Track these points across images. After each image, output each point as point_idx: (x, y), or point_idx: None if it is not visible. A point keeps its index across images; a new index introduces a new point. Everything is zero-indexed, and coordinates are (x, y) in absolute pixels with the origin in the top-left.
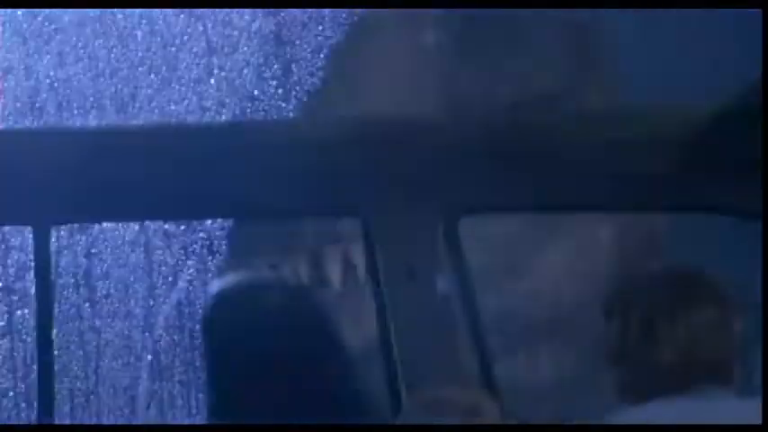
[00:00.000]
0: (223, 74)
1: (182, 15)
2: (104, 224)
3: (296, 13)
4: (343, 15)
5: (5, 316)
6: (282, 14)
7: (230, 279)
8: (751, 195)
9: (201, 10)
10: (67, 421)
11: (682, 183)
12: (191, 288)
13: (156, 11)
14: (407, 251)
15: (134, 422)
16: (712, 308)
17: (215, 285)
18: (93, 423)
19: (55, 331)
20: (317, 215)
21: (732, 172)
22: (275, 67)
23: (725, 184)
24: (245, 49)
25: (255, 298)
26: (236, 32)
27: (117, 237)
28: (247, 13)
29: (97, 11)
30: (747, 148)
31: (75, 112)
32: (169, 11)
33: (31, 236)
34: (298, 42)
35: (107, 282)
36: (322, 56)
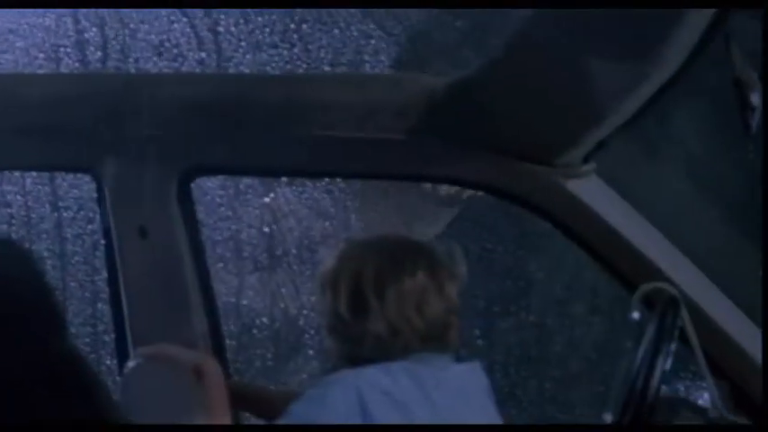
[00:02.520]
0: None
1: None
2: None
3: None
4: None
5: None
6: None
7: None
8: (484, 168)
9: None
10: None
11: (417, 150)
12: None
13: None
14: (139, 211)
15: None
16: (425, 275)
17: None
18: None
19: None
20: (52, 170)
21: (466, 144)
22: None
23: (458, 154)
24: None
25: None
26: None
27: None
28: None
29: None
30: (485, 123)
31: None
32: None
33: None
34: None
35: None
36: None
